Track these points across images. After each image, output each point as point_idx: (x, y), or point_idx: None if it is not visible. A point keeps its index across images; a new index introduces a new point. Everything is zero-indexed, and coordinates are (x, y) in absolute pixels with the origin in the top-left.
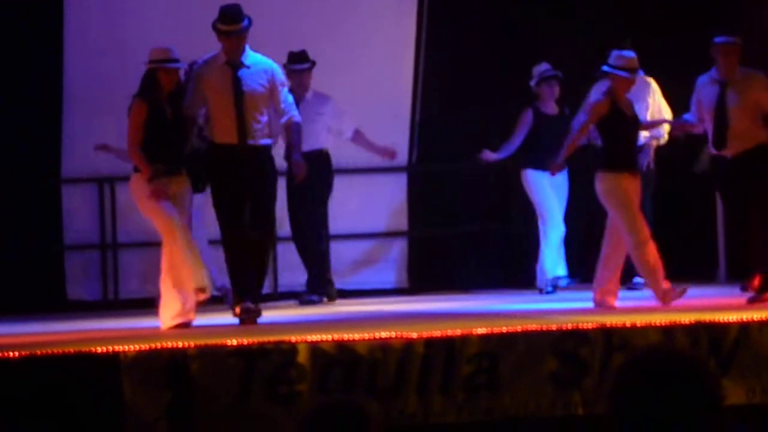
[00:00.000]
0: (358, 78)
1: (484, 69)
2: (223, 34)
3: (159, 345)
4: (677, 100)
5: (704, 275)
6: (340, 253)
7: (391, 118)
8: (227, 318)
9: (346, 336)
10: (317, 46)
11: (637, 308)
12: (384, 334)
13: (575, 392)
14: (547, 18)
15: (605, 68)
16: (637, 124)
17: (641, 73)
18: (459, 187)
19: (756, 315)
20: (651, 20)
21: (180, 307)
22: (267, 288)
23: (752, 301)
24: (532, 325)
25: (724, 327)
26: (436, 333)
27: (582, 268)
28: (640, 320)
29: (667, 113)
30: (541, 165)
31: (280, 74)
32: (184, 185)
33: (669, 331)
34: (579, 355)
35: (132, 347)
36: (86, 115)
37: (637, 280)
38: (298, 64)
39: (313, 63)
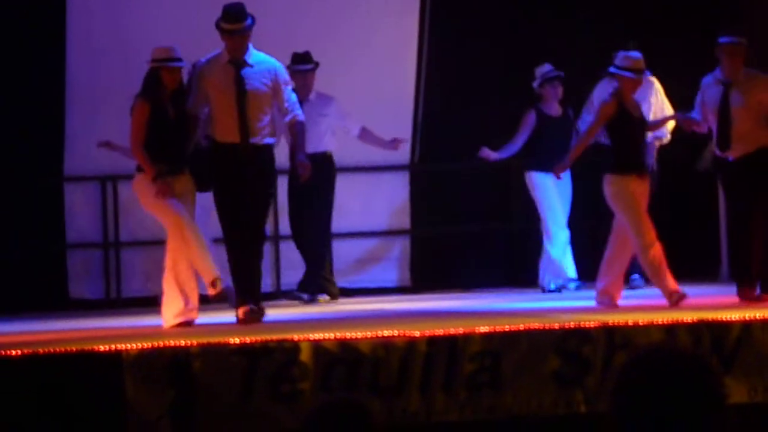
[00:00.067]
0: (361, 77)
1: (486, 68)
2: (227, 33)
3: (161, 343)
4: (677, 99)
5: (707, 274)
6: (342, 252)
7: (394, 117)
8: (230, 317)
9: (349, 334)
10: (319, 46)
11: (640, 307)
12: (387, 333)
13: (578, 391)
14: (549, 17)
15: (612, 69)
16: (644, 125)
17: (648, 74)
18: (461, 186)
19: (758, 314)
20: (651, 20)
21: (183, 306)
22: (269, 287)
23: (757, 300)
24: (535, 324)
25: (726, 326)
26: (439, 331)
27: (588, 269)
28: (643, 319)
29: (670, 113)
30: (545, 167)
31: (284, 73)
32: (188, 185)
33: (671, 329)
34: (581, 354)
35: (134, 346)
36: (88, 113)
37: (635, 277)
38: (302, 64)
39: (317, 64)
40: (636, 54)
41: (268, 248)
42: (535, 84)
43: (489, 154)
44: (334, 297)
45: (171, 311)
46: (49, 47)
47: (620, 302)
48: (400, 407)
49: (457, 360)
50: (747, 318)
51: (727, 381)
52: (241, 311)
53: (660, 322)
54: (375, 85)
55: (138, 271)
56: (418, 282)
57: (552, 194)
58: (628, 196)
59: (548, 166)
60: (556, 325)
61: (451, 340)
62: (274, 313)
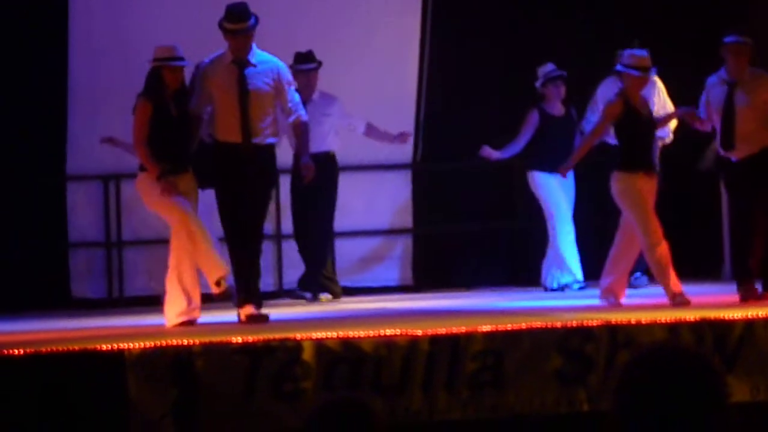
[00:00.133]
0: (362, 77)
1: (488, 67)
2: (230, 33)
3: (164, 342)
4: (677, 100)
5: (709, 273)
6: (344, 251)
7: (396, 116)
8: (232, 316)
9: (351, 333)
10: (320, 46)
11: (643, 305)
12: (389, 332)
13: (580, 389)
14: (549, 17)
15: (618, 68)
16: (652, 123)
17: (654, 72)
18: (463, 185)
19: (761, 313)
20: (652, 20)
21: (185, 305)
22: (271, 286)
23: (759, 299)
24: (537, 323)
25: (729, 324)
26: (441, 330)
27: (594, 268)
28: (645, 317)
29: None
30: (549, 167)
31: (287, 73)
32: (191, 183)
33: (674, 328)
34: (584, 352)
35: (137, 345)
36: (90, 113)
37: (637, 275)
38: (305, 64)
39: (320, 63)
40: (642, 52)
41: (270, 247)
42: (537, 83)
43: (490, 152)
44: (336, 296)
45: (174, 310)
46: (51, 48)
47: (623, 301)
48: (403, 406)
49: (460, 359)
50: (749, 317)
51: (729, 380)
52: (243, 314)
53: (663, 321)
54: (377, 85)
55: (140, 270)
56: (421, 281)
57: (557, 193)
58: (635, 194)
59: (551, 165)
60: (559, 324)
61: (453, 339)
62: (276, 312)
